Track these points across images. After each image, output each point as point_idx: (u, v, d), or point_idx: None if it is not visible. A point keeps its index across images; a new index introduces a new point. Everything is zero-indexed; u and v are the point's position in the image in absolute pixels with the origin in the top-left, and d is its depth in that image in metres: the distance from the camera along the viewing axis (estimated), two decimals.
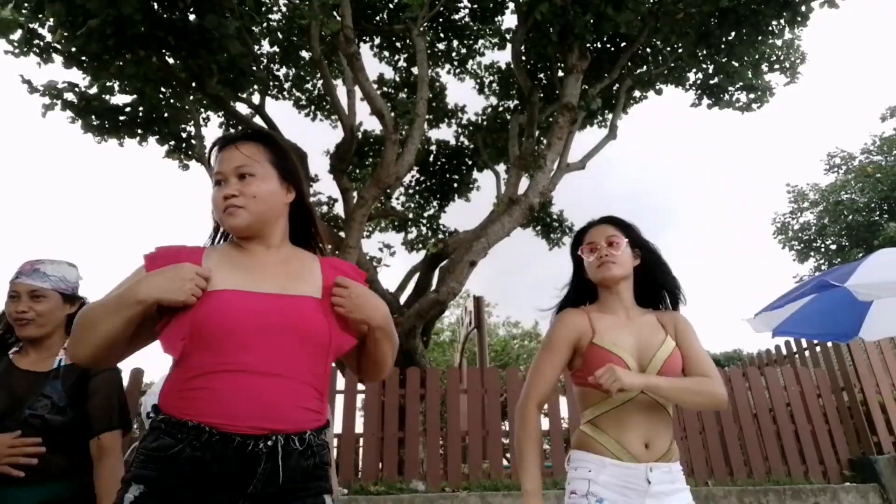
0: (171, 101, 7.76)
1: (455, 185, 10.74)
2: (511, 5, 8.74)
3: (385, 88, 10.19)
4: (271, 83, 9.33)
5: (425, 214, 11.00)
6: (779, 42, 9.05)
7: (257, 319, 1.11)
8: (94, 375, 1.78)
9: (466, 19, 9.45)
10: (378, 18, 8.95)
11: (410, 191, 10.86)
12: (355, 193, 8.13)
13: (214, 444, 1.03)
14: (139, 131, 7.73)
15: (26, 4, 5.96)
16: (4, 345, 1.84)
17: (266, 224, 1.26)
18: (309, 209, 1.38)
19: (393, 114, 7.33)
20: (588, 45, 7.77)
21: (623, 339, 1.62)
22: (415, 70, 8.65)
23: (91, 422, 1.72)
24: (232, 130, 9.39)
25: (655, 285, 1.76)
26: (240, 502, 1.05)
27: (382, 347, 1.28)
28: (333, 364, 1.34)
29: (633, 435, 1.54)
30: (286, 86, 9.91)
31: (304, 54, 9.15)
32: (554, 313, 1.81)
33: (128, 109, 7.45)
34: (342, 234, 7.43)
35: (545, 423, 5.31)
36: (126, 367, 5.19)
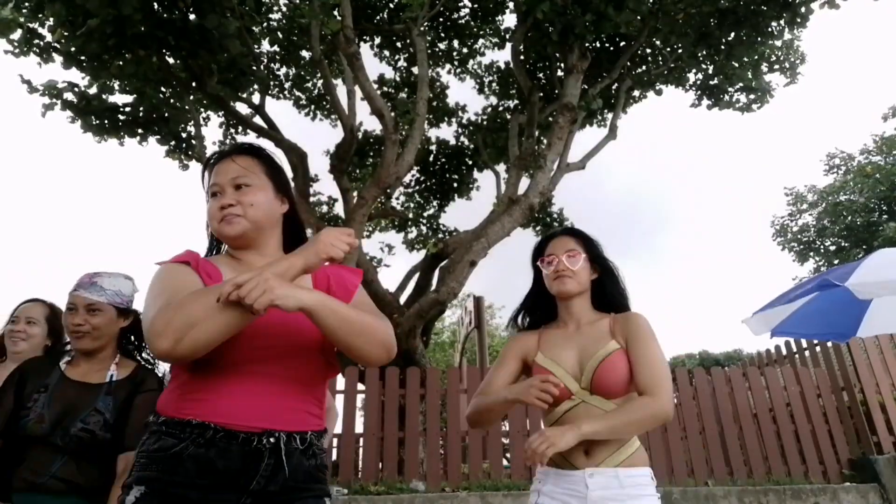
0: (171, 101, 7.76)
1: (455, 184, 10.74)
2: (511, 5, 8.74)
3: (385, 88, 10.19)
4: (271, 83, 9.33)
5: (425, 214, 11.01)
6: (778, 43, 9.06)
7: (258, 328, 1.13)
8: (142, 392, 1.79)
9: (466, 19, 9.46)
10: (378, 18, 8.96)
11: (410, 191, 10.87)
12: (355, 193, 8.13)
13: (218, 440, 1.06)
14: (139, 131, 7.74)
15: (26, 4, 5.96)
16: (58, 353, 1.89)
17: (261, 233, 1.28)
18: (300, 222, 1.41)
19: (393, 114, 7.34)
20: (588, 45, 7.77)
21: (564, 354, 1.65)
22: (415, 70, 8.65)
23: (125, 437, 1.71)
24: (232, 130, 9.40)
25: (607, 296, 1.78)
26: (243, 500, 1.07)
27: (332, 330, 1.09)
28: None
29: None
30: (286, 86, 9.92)
31: (304, 54, 9.16)
32: (510, 322, 1.89)
33: (128, 109, 7.46)
34: None
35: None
36: None
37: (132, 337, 1.92)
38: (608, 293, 1.77)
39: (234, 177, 1.25)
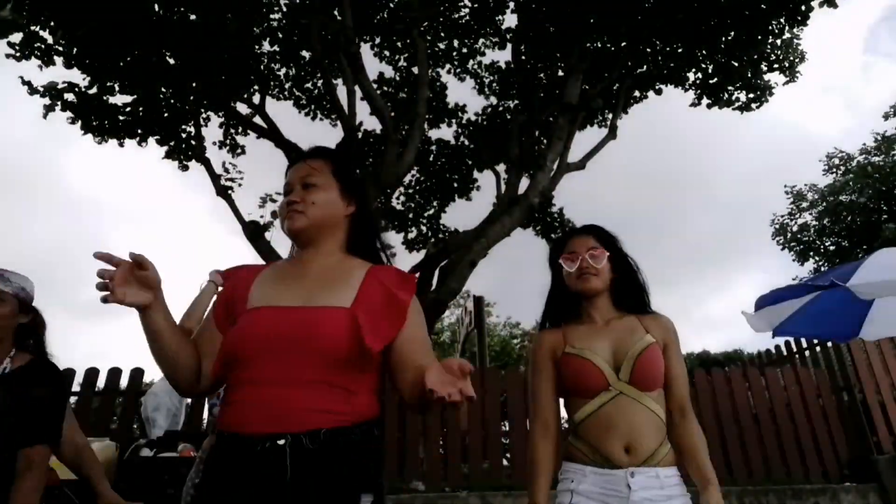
0: (171, 101, 7.76)
1: (455, 185, 10.72)
2: (511, 5, 8.73)
3: (385, 88, 10.17)
4: (271, 83, 9.33)
5: (425, 214, 11.00)
6: (778, 41, 9.07)
7: (266, 333, 1.16)
8: (38, 385, 1.79)
9: (466, 19, 9.45)
10: (378, 18, 8.95)
11: (410, 191, 10.86)
12: None
13: (234, 450, 1.11)
14: (139, 131, 7.73)
15: (27, 4, 5.95)
16: None
17: (321, 232, 1.32)
18: (370, 225, 1.42)
19: (393, 113, 7.34)
20: (588, 44, 7.77)
21: (597, 344, 1.61)
22: (415, 69, 8.65)
23: (24, 432, 1.70)
24: (232, 130, 9.39)
25: (628, 293, 1.75)
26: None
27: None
28: None
29: (613, 439, 1.50)
30: (286, 86, 9.90)
31: (304, 54, 9.15)
32: (538, 328, 1.85)
33: (128, 109, 7.45)
34: None
35: None
36: (126, 366, 5.20)
37: (31, 335, 1.93)
38: (629, 291, 1.74)
39: (303, 175, 1.33)
